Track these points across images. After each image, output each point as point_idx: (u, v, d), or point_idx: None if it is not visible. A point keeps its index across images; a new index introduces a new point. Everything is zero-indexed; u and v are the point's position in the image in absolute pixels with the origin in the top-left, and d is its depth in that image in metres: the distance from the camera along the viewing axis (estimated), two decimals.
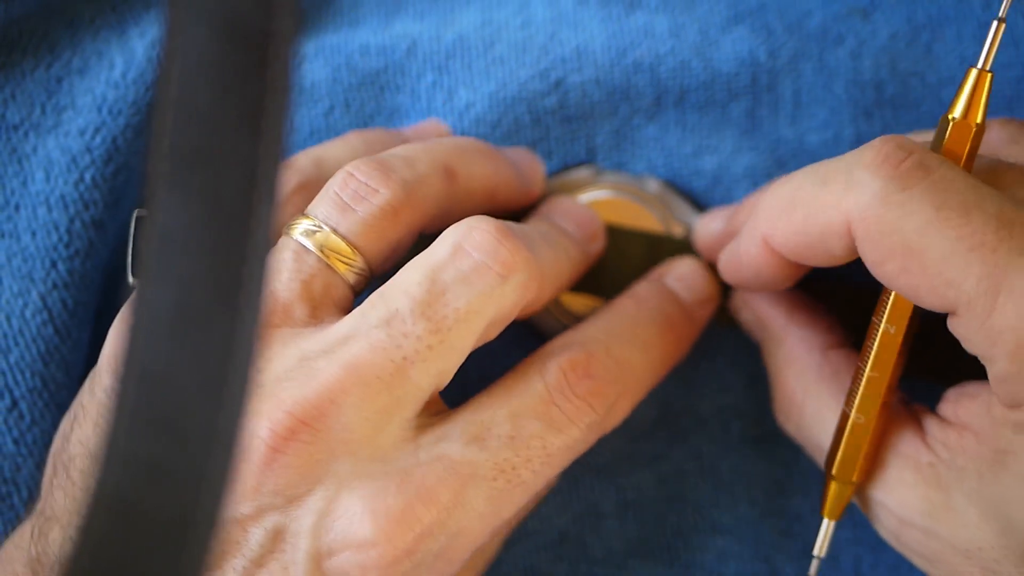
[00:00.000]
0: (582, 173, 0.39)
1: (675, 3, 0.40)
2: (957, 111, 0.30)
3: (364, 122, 0.40)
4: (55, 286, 0.36)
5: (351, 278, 0.32)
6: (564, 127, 0.39)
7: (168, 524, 0.16)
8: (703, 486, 0.39)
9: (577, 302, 0.38)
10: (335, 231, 0.32)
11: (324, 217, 0.32)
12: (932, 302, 0.29)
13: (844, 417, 0.33)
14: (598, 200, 0.38)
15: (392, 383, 0.30)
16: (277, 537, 0.30)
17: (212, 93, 0.17)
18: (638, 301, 0.36)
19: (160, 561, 0.16)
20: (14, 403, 0.36)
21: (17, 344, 0.36)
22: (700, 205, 0.39)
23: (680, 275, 0.37)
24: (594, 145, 0.39)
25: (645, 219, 0.38)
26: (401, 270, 0.31)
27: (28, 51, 0.38)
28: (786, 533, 0.39)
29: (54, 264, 0.37)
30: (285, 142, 0.18)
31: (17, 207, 0.37)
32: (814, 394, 0.35)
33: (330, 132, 0.39)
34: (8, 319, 0.36)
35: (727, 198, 0.39)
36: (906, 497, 0.32)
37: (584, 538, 0.39)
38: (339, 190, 0.32)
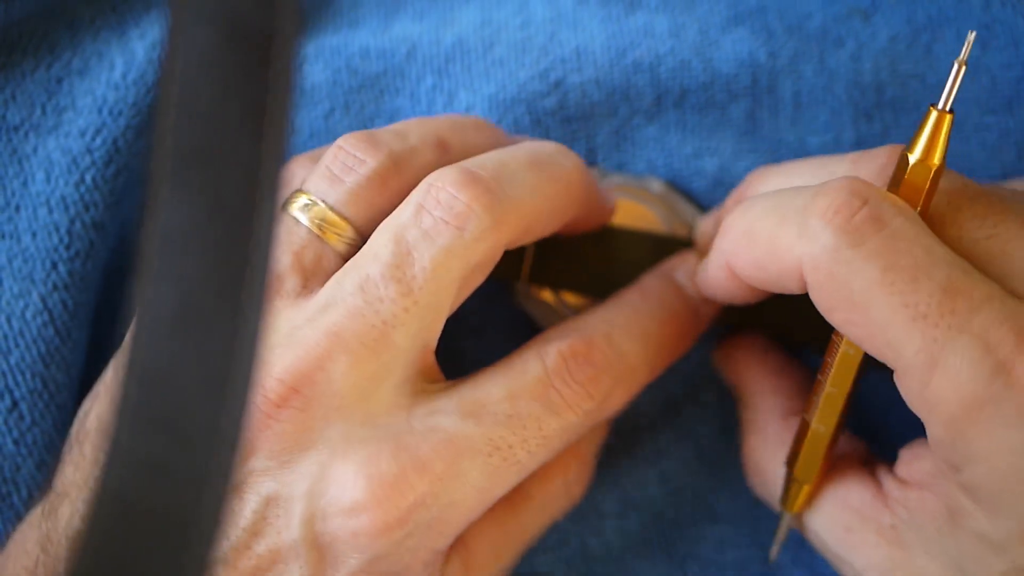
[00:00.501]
0: None
1: (675, 3, 0.40)
2: (917, 151, 0.30)
3: (364, 124, 0.40)
4: (56, 287, 0.36)
5: (341, 247, 0.33)
6: (564, 128, 0.39)
7: (170, 523, 0.16)
8: (703, 476, 0.39)
9: (580, 302, 0.38)
10: (324, 202, 0.32)
11: (315, 191, 0.33)
12: (875, 354, 0.30)
13: (804, 424, 0.34)
14: None
15: (376, 348, 0.31)
16: (271, 503, 0.31)
17: (214, 93, 0.17)
18: (644, 293, 0.36)
19: (162, 560, 0.16)
20: (14, 404, 0.36)
21: (18, 345, 0.36)
22: (703, 206, 0.39)
23: (688, 270, 0.37)
24: (594, 145, 0.39)
25: (649, 220, 0.38)
26: (372, 235, 0.32)
27: (28, 52, 0.38)
28: None
29: (55, 265, 0.36)
30: (287, 142, 0.18)
31: (18, 208, 0.37)
32: (773, 460, 0.35)
33: (330, 134, 0.40)
34: (8, 320, 0.36)
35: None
36: (871, 558, 0.32)
37: (584, 535, 0.39)
38: (329, 163, 0.33)
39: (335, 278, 0.32)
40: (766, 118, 0.39)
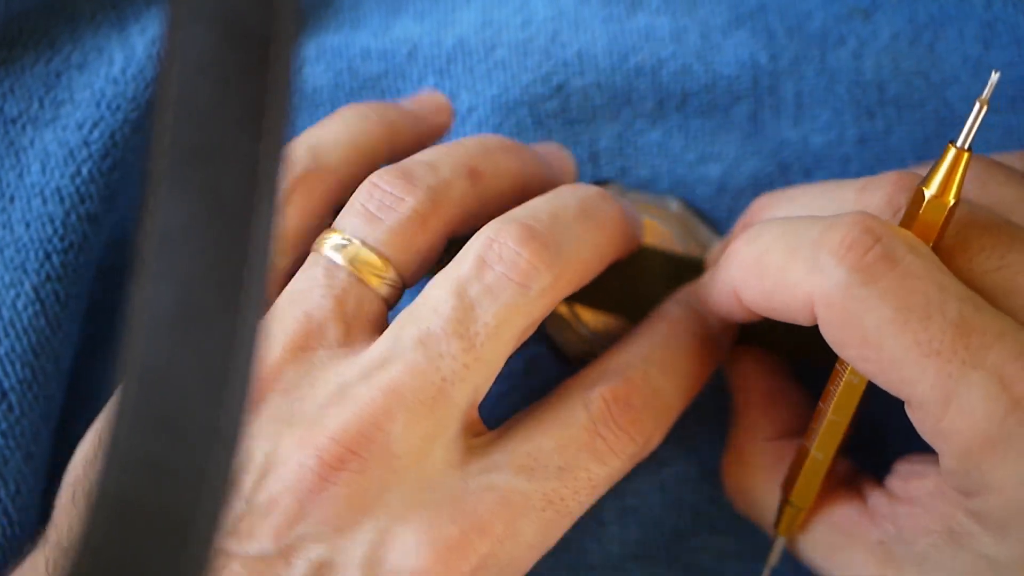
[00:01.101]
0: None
1: (676, 4, 0.40)
2: (933, 187, 0.30)
3: None
4: (48, 278, 0.36)
5: (384, 291, 0.32)
6: (567, 131, 0.39)
7: (169, 523, 0.16)
8: (703, 488, 0.39)
9: (595, 317, 0.38)
10: (364, 243, 0.32)
11: (352, 230, 0.32)
12: (887, 388, 0.30)
13: (804, 450, 0.34)
14: None
15: (435, 405, 0.30)
16: (322, 570, 0.30)
17: (213, 91, 0.17)
18: (671, 324, 0.35)
19: (161, 561, 0.16)
20: (3, 394, 0.36)
21: (8, 335, 0.36)
22: (720, 229, 0.39)
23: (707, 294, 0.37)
24: (597, 150, 0.39)
25: (665, 239, 0.38)
26: (428, 286, 0.31)
27: (28, 46, 0.38)
28: None
29: (48, 256, 0.36)
30: (286, 141, 0.18)
31: (12, 199, 0.37)
32: (749, 479, 0.35)
33: None
34: (0, 309, 0.36)
35: (732, 207, 0.39)
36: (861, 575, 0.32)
37: (583, 543, 0.39)
38: (364, 201, 0.32)
39: (392, 332, 0.31)
40: (768, 119, 0.39)
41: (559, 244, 0.31)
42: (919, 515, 0.31)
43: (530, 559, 0.31)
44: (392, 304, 0.32)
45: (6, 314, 0.36)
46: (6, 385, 0.36)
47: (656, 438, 0.33)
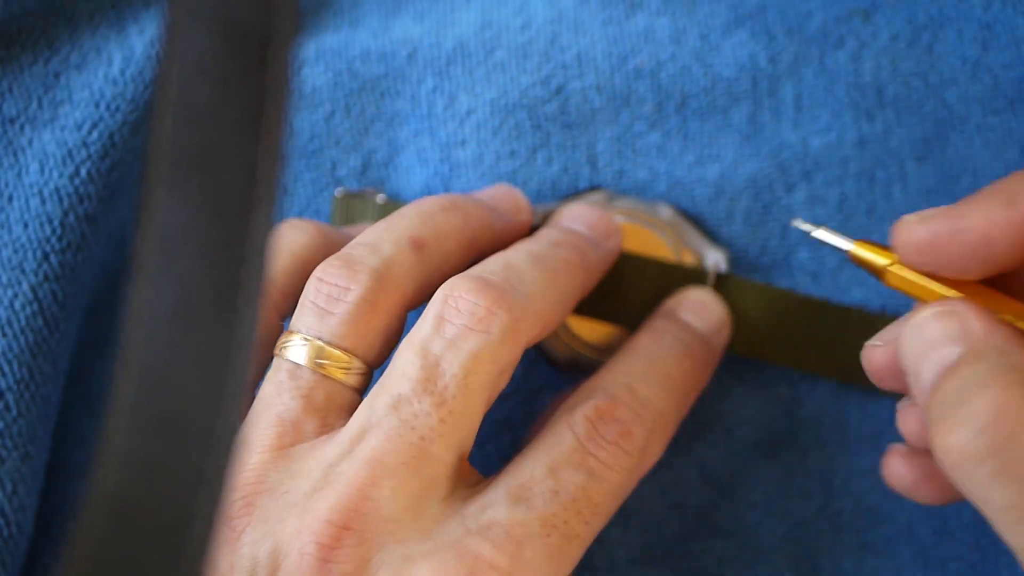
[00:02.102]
0: (595, 197, 0.39)
1: (676, 5, 0.40)
2: None
3: (364, 127, 0.40)
4: (46, 278, 0.36)
5: (350, 380, 0.32)
6: (565, 134, 0.39)
7: (167, 523, 0.16)
8: (704, 491, 0.39)
9: (587, 328, 0.38)
10: (320, 339, 0.32)
11: (307, 329, 0.32)
12: None
13: None
14: None
15: (418, 465, 0.30)
16: None
17: (211, 93, 0.17)
18: (655, 336, 0.35)
19: (159, 560, 0.16)
20: (0, 394, 0.36)
21: (5, 335, 0.36)
22: (712, 235, 0.39)
23: (693, 305, 0.37)
24: (595, 152, 0.39)
25: (657, 246, 0.38)
26: (395, 355, 0.32)
27: (27, 47, 0.38)
28: (787, 538, 0.39)
29: (46, 256, 0.36)
30: (284, 142, 0.18)
31: (11, 198, 0.37)
32: None
33: (331, 136, 0.40)
34: None
35: (730, 208, 0.39)
36: None
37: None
38: (313, 298, 0.32)
39: (366, 404, 0.31)
40: (768, 120, 0.39)
41: (514, 288, 0.32)
42: None
43: None
44: (363, 389, 0.33)
45: (3, 314, 0.36)
46: (3, 385, 0.36)
47: (654, 447, 0.33)
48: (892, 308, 0.39)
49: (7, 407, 0.36)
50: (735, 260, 0.39)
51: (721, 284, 0.38)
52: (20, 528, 0.36)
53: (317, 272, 0.33)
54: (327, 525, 0.30)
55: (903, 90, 0.39)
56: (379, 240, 0.33)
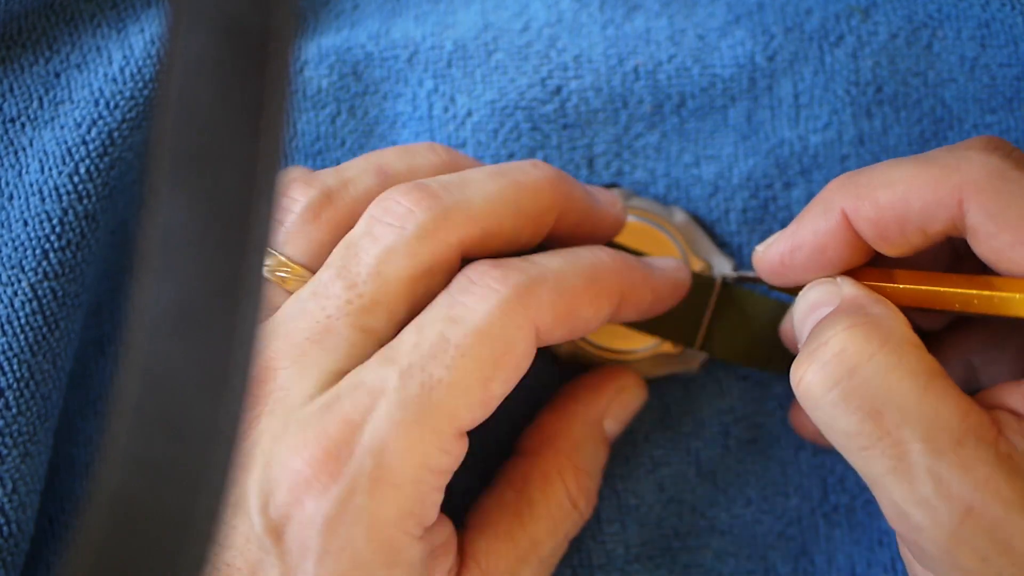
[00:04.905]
0: None
1: (674, 5, 0.40)
2: None
3: (368, 128, 0.40)
4: (46, 276, 0.36)
5: (291, 285, 0.33)
6: (563, 135, 0.39)
7: (169, 522, 0.16)
8: (701, 488, 0.39)
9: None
10: (274, 251, 0.33)
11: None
12: None
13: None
14: None
15: (319, 339, 0.31)
16: (235, 508, 0.31)
17: (212, 92, 0.17)
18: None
19: (161, 559, 0.16)
20: (0, 392, 0.36)
21: (5, 333, 0.36)
22: (722, 243, 0.39)
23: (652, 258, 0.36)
24: (593, 153, 0.39)
25: (666, 248, 0.38)
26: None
27: (28, 47, 0.38)
28: (782, 534, 0.39)
29: (46, 254, 0.36)
30: (284, 141, 0.18)
31: (11, 197, 0.37)
32: None
33: (336, 137, 0.40)
34: None
35: (728, 207, 0.39)
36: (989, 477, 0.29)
37: (585, 543, 0.39)
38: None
39: (295, 293, 0.33)
40: (767, 119, 0.39)
41: (446, 191, 0.32)
42: None
43: (408, 440, 0.30)
44: None
45: (3, 312, 0.36)
46: (3, 383, 0.36)
47: (543, 298, 0.31)
48: None
49: (7, 405, 0.36)
50: (734, 258, 0.39)
51: (726, 293, 0.38)
52: (20, 527, 0.36)
53: (285, 190, 0.34)
54: None
55: (901, 88, 0.39)
56: (348, 165, 0.35)
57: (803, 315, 0.33)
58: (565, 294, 0.32)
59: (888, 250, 0.32)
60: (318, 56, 0.40)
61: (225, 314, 0.17)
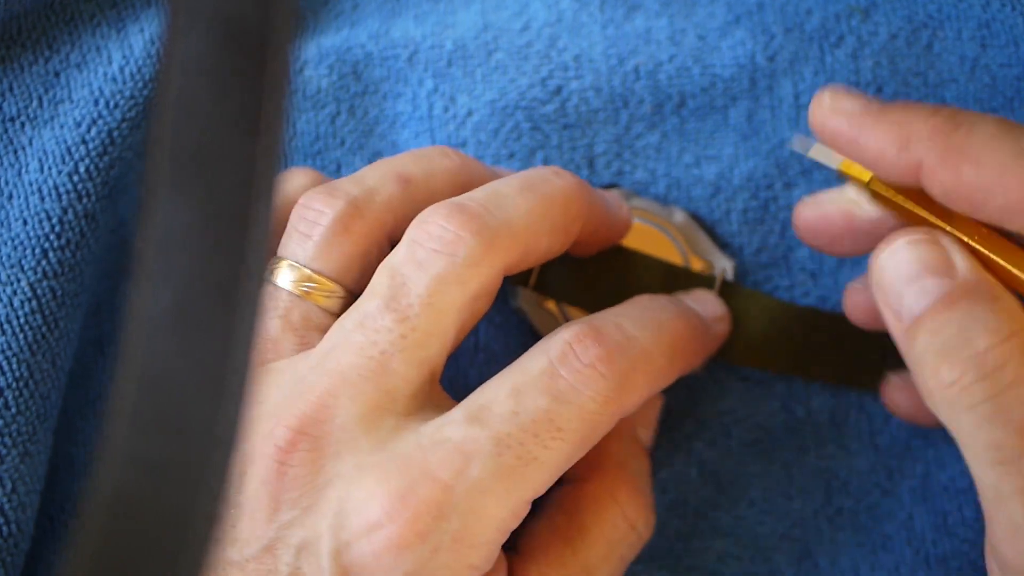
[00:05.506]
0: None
1: (675, 5, 0.40)
2: None
3: (368, 128, 0.40)
4: (45, 275, 0.36)
5: (323, 302, 0.33)
6: (563, 135, 0.39)
7: (168, 523, 0.16)
8: (704, 490, 0.39)
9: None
10: (298, 263, 0.33)
11: (290, 254, 0.33)
12: None
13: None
14: None
15: (376, 378, 0.31)
16: (302, 552, 0.30)
17: (211, 92, 0.17)
18: (653, 296, 0.35)
19: (160, 560, 0.16)
20: None
21: (4, 332, 0.36)
22: (723, 243, 0.39)
23: (695, 295, 0.37)
24: (594, 153, 0.39)
25: (666, 249, 0.38)
26: (373, 278, 0.32)
27: (28, 46, 0.38)
28: (786, 537, 0.39)
29: (45, 253, 0.36)
30: (283, 141, 0.18)
31: (11, 196, 0.37)
32: None
33: (336, 137, 0.40)
34: None
35: (728, 208, 0.39)
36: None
37: None
38: (295, 224, 0.33)
39: (338, 322, 0.32)
40: (767, 119, 0.39)
41: (489, 212, 0.32)
42: None
43: (496, 508, 0.30)
44: (339, 312, 0.33)
45: (2, 311, 0.36)
46: (2, 383, 0.36)
47: (637, 385, 0.32)
48: None
49: (6, 405, 0.36)
50: (735, 258, 0.39)
51: (726, 293, 0.38)
52: (20, 527, 0.36)
53: (301, 199, 0.34)
54: (286, 430, 0.31)
55: (902, 88, 0.39)
56: (365, 173, 0.34)
57: (898, 279, 0.31)
58: (656, 379, 0.32)
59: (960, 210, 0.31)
60: (318, 56, 0.40)
61: (223, 314, 0.17)
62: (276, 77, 0.18)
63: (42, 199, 0.37)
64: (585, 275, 0.37)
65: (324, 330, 0.33)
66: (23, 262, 0.36)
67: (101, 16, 0.39)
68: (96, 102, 0.37)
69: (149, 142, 0.17)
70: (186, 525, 0.16)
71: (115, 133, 0.37)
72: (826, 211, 0.34)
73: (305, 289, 0.33)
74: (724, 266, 0.38)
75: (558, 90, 0.39)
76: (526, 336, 0.39)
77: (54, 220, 0.36)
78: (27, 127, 0.38)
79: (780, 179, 0.39)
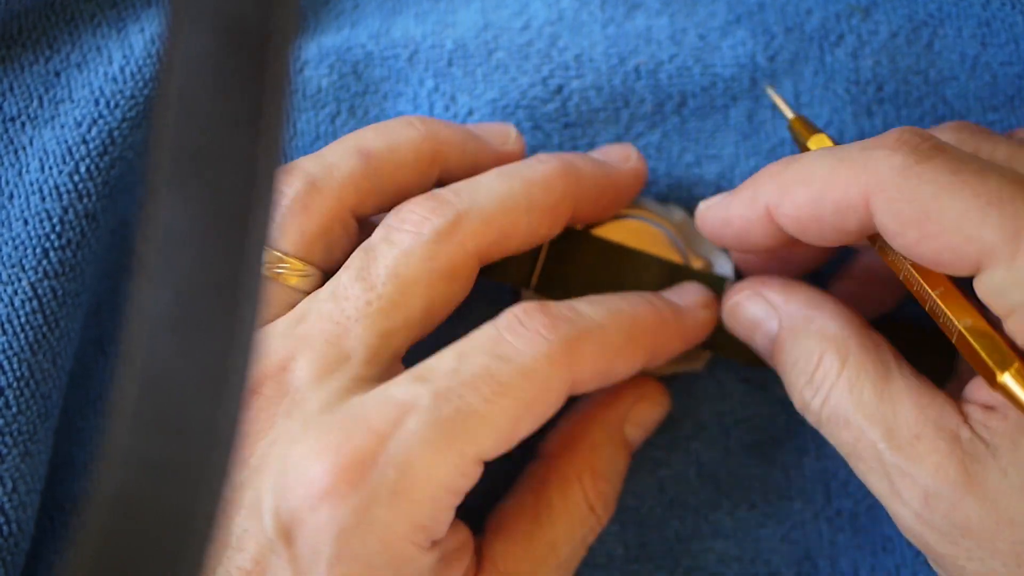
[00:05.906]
0: None
1: (675, 5, 0.40)
2: None
3: None
4: (46, 275, 0.36)
5: (295, 281, 0.33)
6: (564, 134, 0.39)
7: (168, 522, 0.16)
8: (703, 491, 0.39)
9: None
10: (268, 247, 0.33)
11: None
12: (954, 264, 0.30)
13: (952, 332, 0.32)
14: (621, 221, 0.38)
15: (337, 340, 0.32)
16: (251, 511, 0.31)
17: (212, 92, 0.17)
18: (621, 292, 0.35)
19: (160, 559, 0.16)
20: (0, 391, 0.36)
21: (5, 332, 0.36)
22: None
23: (676, 287, 0.37)
24: None
25: (665, 248, 0.38)
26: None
27: (28, 46, 0.38)
28: (785, 538, 0.39)
29: (46, 253, 0.36)
30: (283, 141, 0.18)
31: (11, 196, 0.37)
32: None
33: (335, 137, 0.40)
34: None
35: None
36: (940, 465, 0.31)
37: None
38: None
39: (313, 294, 0.33)
40: (768, 118, 0.39)
41: (459, 197, 0.33)
42: (999, 418, 0.31)
43: (435, 460, 0.30)
44: (307, 289, 0.34)
45: (3, 311, 0.36)
46: (3, 382, 0.36)
47: (586, 353, 0.32)
48: None
49: (7, 404, 0.36)
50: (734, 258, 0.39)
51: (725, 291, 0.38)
52: (20, 526, 0.36)
53: None
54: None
55: (902, 87, 0.39)
56: (326, 150, 0.35)
57: (746, 330, 0.36)
58: (606, 352, 0.33)
59: (812, 243, 0.33)
60: (318, 56, 0.40)
61: (224, 313, 0.17)
62: (277, 77, 0.18)
63: (43, 199, 0.37)
64: (585, 274, 0.37)
65: (293, 306, 0.33)
66: (24, 262, 0.36)
67: (101, 16, 0.39)
68: (97, 102, 0.37)
69: (150, 141, 0.17)
70: (186, 525, 0.16)
71: (116, 133, 0.37)
72: (727, 213, 0.35)
73: (278, 271, 0.33)
74: (724, 264, 0.38)
75: (559, 89, 0.39)
76: None
77: (55, 220, 0.36)
78: (28, 127, 0.38)
79: None
